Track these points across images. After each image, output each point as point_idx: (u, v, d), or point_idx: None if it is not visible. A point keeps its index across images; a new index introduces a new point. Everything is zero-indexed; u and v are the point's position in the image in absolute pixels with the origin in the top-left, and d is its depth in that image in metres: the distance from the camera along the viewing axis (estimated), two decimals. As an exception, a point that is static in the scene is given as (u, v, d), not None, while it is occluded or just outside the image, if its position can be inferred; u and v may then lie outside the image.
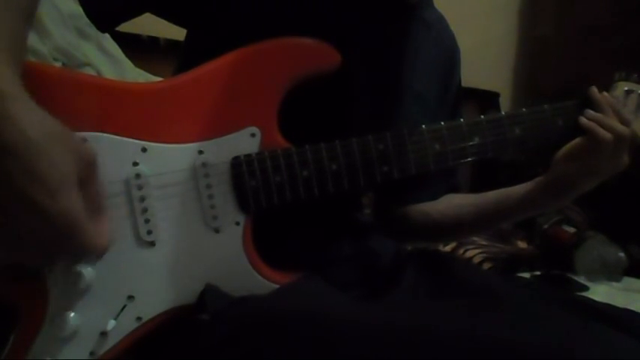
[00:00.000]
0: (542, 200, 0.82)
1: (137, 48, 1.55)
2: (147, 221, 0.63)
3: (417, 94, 0.83)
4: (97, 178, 0.58)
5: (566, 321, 0.63)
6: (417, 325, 0.55)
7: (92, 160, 0.56)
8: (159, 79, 1.00)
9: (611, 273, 1.74)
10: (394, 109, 0.82)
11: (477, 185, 1.03)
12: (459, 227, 0.90)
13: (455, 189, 0.93)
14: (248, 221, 0.67)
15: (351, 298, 0.71)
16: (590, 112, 0.78)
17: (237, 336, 0.58)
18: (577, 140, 0.79)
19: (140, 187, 0.63)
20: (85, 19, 0.74)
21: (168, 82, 0.69)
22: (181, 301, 0.64)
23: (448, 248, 1.72)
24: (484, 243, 1.79)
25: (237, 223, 0.67)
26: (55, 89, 0.62)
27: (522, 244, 1.91)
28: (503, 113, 0.77)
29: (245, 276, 0.67)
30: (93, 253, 0.56)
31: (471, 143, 0.74)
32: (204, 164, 0.66)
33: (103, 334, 0.61)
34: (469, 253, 1.72)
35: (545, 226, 1.85)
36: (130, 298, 0.63)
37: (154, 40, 1.64)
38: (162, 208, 0.64)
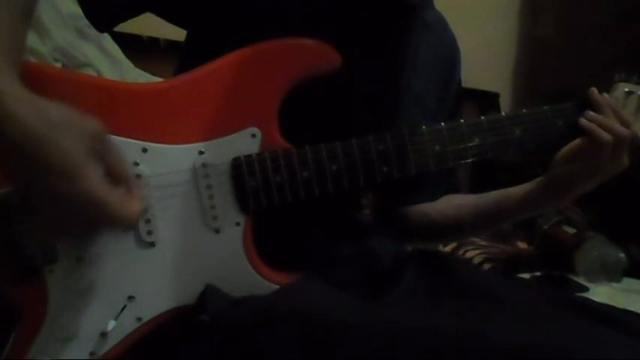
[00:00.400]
0: (542, 201, 0.82)
1: (137, 48, 1.55)
2: (147, 222, 0.64)
3: (417, 94, 0.83)
4: (110, 146, 0.57)
5: (566, 322, 0.63)
6: (416, 326, 0.56)
7: (100, 132, 0.56)
8: (159, 79, 1.00)
9: (611, 273, 1.74)
10: (394, 109, 0.82)
11: (477, 186, 1.03)
12: (458, 228, 0.90)
13: (454, 189, 0.93)
14: (248, 221, 0.67)
15: (351, 298, 0.71)
16: (590, 113, 0.78)
17: (237, 336, 0.58)
18: (577, 141, 0.79)
19: (141, 187, 0.63)
20: (85, 20, 0.74)
21: (169, 83, 0.69)
22: (181, 302, 0.64)
23: (448, 248, 1.72)
24: (484, 243, 1.79)
25: (238, 224, 0.67)
26: (55, 89, 0.62)
27: (522, 245, 1.91)
28: (503, 114, 0.77)
29: (245, 276, 0.67)
30: (124, 223, 0.56)
31: (471, 144, 0.74)
32: (204, 165, 0.66)
33: (103, 334, 0.61)
34: (469, 254, 1.72)
35: (545, 227, 1.85)
36: (131, 298, 0.63)
37: (154, 41, 1.64)
38: (162, 208, 0.64)
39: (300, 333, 0.56)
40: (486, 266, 1.67)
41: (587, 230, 1.87)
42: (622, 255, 1.76)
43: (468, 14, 1.99)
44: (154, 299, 0.63)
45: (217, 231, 0.66)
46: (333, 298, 0.66)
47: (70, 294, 0.61)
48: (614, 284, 1.72)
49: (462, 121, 0.75)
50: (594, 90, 0.79)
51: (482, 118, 0.76)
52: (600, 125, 0.76)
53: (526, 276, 1.66)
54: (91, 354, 0.61)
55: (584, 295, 1.43)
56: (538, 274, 1.75)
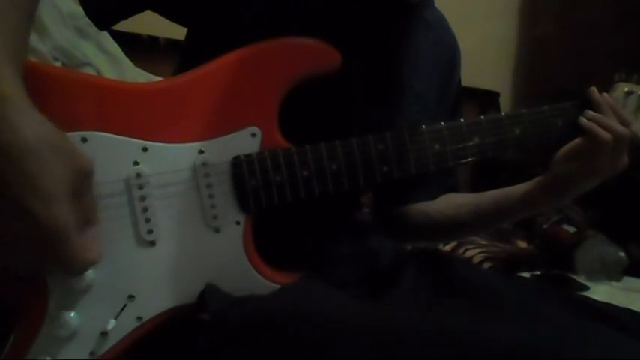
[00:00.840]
0: (542, 200, 0.82)
1: (137, 48, 1.55)
2: (147, 221, 0.64)
3: (417, 93, 0.83)
4: (92, 190, 0.57)
5: (567, 320, 0.63)
6: (416, 325, 0.55)
7: (89, 170, 0.56)
8: (159, 78, 1.00)
9: (611, 273, 1.74)
10: (394, 109, 0.82)
11: (477, 185, 1.03)
12: (458, 227, 0.90)
13: (454, 189, 0.93)
14: (248, 221, 0.67)
15: (351, 297, 0.71)
16: (590, 113, 0.78)
17: (237, 336, 0.58)
18: (577, 141, 0.79)
19: (141, 187, 0.63)
20: (85, 19, 0.74)
21: (169, 82, 0.69)
22: (182, 301, 0.64)
23: (448, 248, 1.72)
24: (484, 242, 1.79)
25: (238, 223, 0.67)
26: (55, 89, 0.62)
27: (522, 244, 1.91)
28: (503, 114, 0.77)
29: (245, 276, 0.67)
30: (78, 265, 0.55)
31: (470, 143, 0.74)
32: (204, 164, 0.66)
33: (103, 333, 0.61)
34: (469, 253, 1.72)
35: (545, 226, 1.85)
36: (131, 297, 0.63)
37: (154, 40, 1.64)
38: (162, 207, 0.64)
39: (300, 333, 0.56)
40: (486, 265, 1.67)
41: (587, 229, 1.86)
42: (622, 254, 1.76)
43: (467, 14, 2.00)
44: (154, 298, 0.63)
45: (217, 230, 0.66)
46: (333, 298, 0.66)
47: (70, 293, 0.61)
48: (614, 283, 1.72)
49: (462, 120, 0.75)
50: (594, 89, 0.79)
51: (482, 117, 0.76)
52: (600, 125, 0.76)
53: (526, 275, 1.66)
54: (91, 353, 0.61)
55: (584, 293, 1.43)
56: (538, 272, 1.75)
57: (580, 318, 0.67)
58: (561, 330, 0.56)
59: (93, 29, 0.78)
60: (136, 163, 0.64)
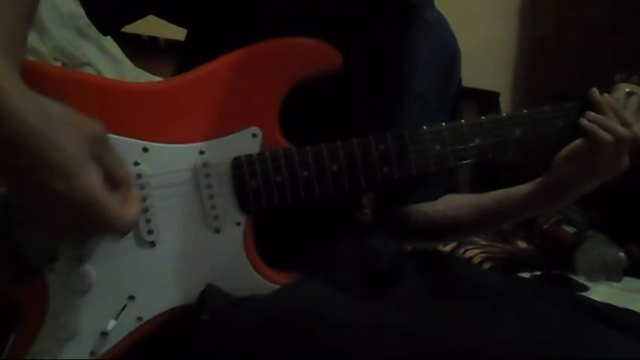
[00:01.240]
0: (543, 201, 0.82)
1: (137, 48, 1.55)
2: (148, 221, 0.63)
3: (417, 94, 0.83)
4: (111, 150, 0.56)
5: (567, 321, 0.63)
6: (417, 326, 0.56)
7: (101, 134, 0.55)
8: (159, 79, 1.00)
9: (611, 273, 1.74)
10: (395, 109, 0.82)
11: (477, 185, 1.03)
12: (459, 227, 0.90)
13: (455, 189, 0.93)
14: (249, 221, 0.67)
15: (351, 298, 0.71)
16: (591, 114, 0.78)
17: (237, 336, 0.58)
18: (577, 142, 0.79)
19: (141, 188, 0.63)
20: (85, 19, 0.74)
21: (169, 82, 0.69)
22: (182, 301, 0.64)
23: (448, 248, 1.72)
24: (484, 243, 1.79)
25: (238, 224, 0.67)
26: (55, 89, 0.62)
27: (522, 244, 1.90)
28: (503, 114, 0.77)
29: (245, 276, 0.67)
30: (121, 228, 0.55)
31: (471, 144, 0.74)
32: (205, 164, 0.66)
33: (104, 334, 0.61)
34: (469, 253, 1.72)
35: (545, 226, 1.85)
36: (131, 298, 0.63)
37: (154, 40, 1.64)
38: (163, 208, 0.64)
39: (300, 333, 0.56)
40: (486, 265, 1.67)
41: (587, 229, 1.87)
42: (622, 254, 1.76)
43: (468, 14, 2.00)
44: (154, 299, 0.63)
45: (218, 231, 0.66)
46: (333, 298, 0.66)
47: (70, 293, 0.61)
48: (614, 283, 1.72)
49: (463, 121, 0.75)
50: (595, 90, 0.79)
51: (483, 118, 0.76)
52: (601, 126, 0.76)
53: (526, 275, 1.66)
54: (91, 353, 0.61)
55: (584, 294, 1.43)
56: (538, 273, 1.75)
57: (580, 318, 0.67)
58: (561, 330, 0.56)
59: (93, 30, 0.78)
60: (136, 164, 0.64)
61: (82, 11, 0.74)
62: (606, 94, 0.80)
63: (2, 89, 0.50)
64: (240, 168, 0.66)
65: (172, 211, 0.65)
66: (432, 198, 0.90)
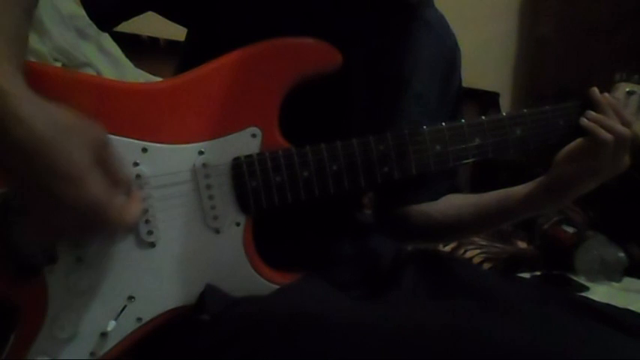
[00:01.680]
0: (543, 201, 0.81)
1: (137, 48, 1.55)
2: (147, 222, 0.63)
3: (417, 94, 0.83)
4: (112, 153, 0.57)
5: (567, 321, 0.63)
6: (416, 326, 0.56)
7: (104, 138, 0.56)
8: (159, 79, 1.00)
9: (611, 273, 1.74)
10: (395, 109, 0.82)
11: (477, 185, 1.03)
12: (459, 227, 0.90)
13: (455, 189, 0.93)
14: (248, 222, 0.67)
15: (351, 298, 0.71)
16: (591, 113, 0.78)
17: (237, 336, 0.58)
18: (578, 141, 0.79)
19: (140, 188, 0.63)
20: (85, 20, 0.74)
21: (169, 82, 0.69)
22: (182, 302, 0.64)
23: (448, 248, 1.72)
24: (484, 243, 1.79)
25: (238, 224, 0.67)
26: (55, 89, 0.62)
27: (522, 244, 1.90)
28: (504, 114, 0.77)
29: (245, 276, 0.67)
30: (127, 225, 0.58)
31: (471, 144, 0.74)
32: (204, 165, 0.66)
33: (103, 334, 0.61)
34: (469, 253, 1.72)
35: (545, 226, 1.85)
36: (131, 298, 0.63)
37: (154, 40, 1.64)
38: (162, 208, 0.64)
39: (300, 333, 0.56)
40: (486, 266, 1.67)
41: (587, 230, 1.87)
42: (622, 254, 1.76)
43: (468, 14, 2.00)
44: (154, 299, 0.63)
45: (217, 231, 0.66)
46: (333, 298, 0.66)
47: (70, 294, 0.61)
48: (614, 284, 1.72)
49: (463, 121, 0.75)
50: (595, 90, 0.79)
51: (483, 118, 0.76)
52: (601, 125, 0.76)
53: (526, 275, 1.66)
54: (91, 354, 0.61)
55: (584, 294, 1.43)
56: (538, 273, 1.75)
57: (580, 318, 0.66)
58: (561, 330, 0.56)
59: (93, 30, 0.78)
60: (135, 164, 0.64)
61: (82, 12, 0.74)
62: (606, 94, 0.80)
63: (9, 94, 0.50)
64: (240, 168, 0.66)
65: (172, 211, 0.64)
66: (433, 198, 0.90)
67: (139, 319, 0.63)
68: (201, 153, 0.66)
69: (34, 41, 1.15)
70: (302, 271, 0.71)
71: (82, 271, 0.61)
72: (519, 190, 0.84)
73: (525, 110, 0.78)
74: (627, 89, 0.84)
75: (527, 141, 0.77)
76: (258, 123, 0.68)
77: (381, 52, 0.80)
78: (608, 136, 0.76)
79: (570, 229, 1.84)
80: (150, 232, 0.64)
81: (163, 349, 0.64)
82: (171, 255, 0.64)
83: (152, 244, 0.64)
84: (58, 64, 1.23)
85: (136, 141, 0.64)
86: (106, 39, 1.40)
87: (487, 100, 2.32)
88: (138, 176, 0.63)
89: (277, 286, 0.67)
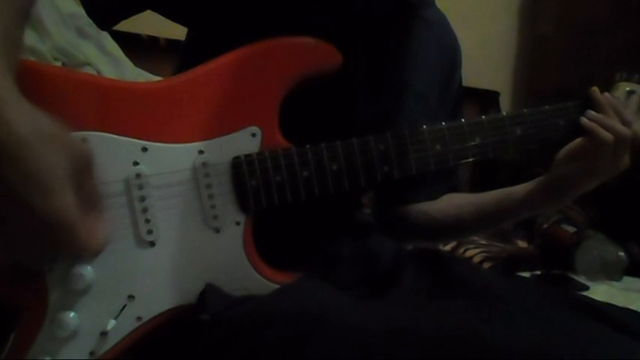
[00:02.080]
0: (543, 200, 0.82)
1: (137, 48, 1.55)
2: (147, 221, 0.63)
3: (418, 93, 0.83)
4: (94, 177, 0.57)
5: (567, 321, 0.63)
6: (416, 325, 0.55)
7: (88, 159, 0.56)
8: (159, 79, 1.00)
9: (611, 272, 1.74)
10: (395, 108, 0.82)
11: (477, 185, 1.03)
12: (459, 227, 0.90)
13: (455, 189, 0.93)
14: (248, 221, 0.67)
15: (351, 298, 0.71)
16: (592, 113, 0.78)
17: (238, 336, 0.58)
18: (578, 141, 0.79)
19: (140, 187, 0.63)
20: (85, 19, 0.74)
21: (169, 82, 0.69)
22: (181, 301, 0.64)
23: (448, 248, 1.72)
24: (484, 242, 1.79)
25: (238, 223, 0.67)
26: (55, 89, 0.62)
27: (522, 244, 1.91)
28: (504, 113, 0.77)
29: (245, 276, 0.67)
30: (87, 252, 0.56)
31: (471, 143, 0.74)
32: (204, 164, 0.66)
33: (103, 334, 0.61)
34: (469, 253, 1.72)
35: (545, 226, 1.86)
36: (130, 297, 0.62)
37: (154, 40, 1.64)
38: (162, 208, 0.64)
39: (300, 333, 0.56)
40: (486, 265, 1.67)
41: (587, 229, 1.87)
42: (622, 254, 1.76)
43: (468, 14, 2.00)
44: (154, 299, 0.63)
45: (217, 230, 0.66)
46: (333, 298, 0.66)
47: (70, 293, 0.61)
48: (614, 283, 1.72)
49: (463, 120, 0.75)
50: (595, 89, 0.79)
51: (483, 117, 0.76)
52: (601, 125, 0.76)
53: (526, 275, 1.66)
54: (91, 354, 0.61)
55: (584, 294, 1.43)
56: (538, 272, 1.75)
57: (580, 318, 0.66)
58: (561, 330, 0.56)
59: (93, 29, 0.78)
60: (135, 163, 0.64)
61: (82, 11, 0.74)
62: (606, 93, 0.80)
63: None
64: (240, 168, 0.66)
65: (172, 210, 0.64)
66: (432, 197, 0.90)
67: (139, 319, 0.63)
68: (201, 152, 0.66)
69: (34, 40, 1.16)
70: (302, 271, 0.71)
71: (82, 271, 0.61)
72: (519, 189, 0.84)
73: (525, 110, 0.78)
74: (627, 89, 0.84)
75: (527, 141, 0.77)
76: (258, 122, 0.68)
77: (382, 52, 0.80)
78: (608, 135, 0.76)
79: (570, 229, 1.84)
80: (150, 232, 0.63)
81: (163, 349, 0.64)
82: (171, 254, 0.64)
83: (152, 244, 0.64)
84: (58, 64, 1.23)
85: (136, 140, 0.64)
86: (106, 38, 1.40)
87: (487, 99, 2.33)
88: (138, 175, 0.63)
89: (277, 286, 0.67)
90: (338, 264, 0.79)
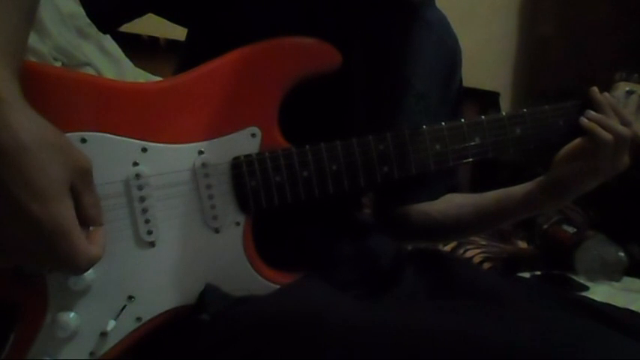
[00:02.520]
0: (543, 200, 0.82)
1: (137, 48, 1.55)
2: (147, 221, 0.63)
3: (418, 93, 0.83)
4: (93, 187, 0.57)
5: (567, 321, 0.63)
6: (416, 325, 0.55)
7: (87, 168, 0.55)
8: (159, 78, 1.00)
9: (611, 273, 1.74)
10: (395, 108, 0.82)
11: (477, 185, 1.03)
12: (459, 227, 0.90)
13: (455, 189, 0.93)
14: (248, 221, 0.67)
15: (351, 298, 0.71)
16: (591, 113, 0.78)
17: (237, 336, 0.58)
18: (577, 141, 0.79)
19: (140, 188, 0.63)
20: (85, 19, 0.74)
21: (169, 82, 0.69)
22: (181, 302, 0.64)
23: (448, 248, 1.72)
24: (484, 243, 1.79)
25: (238, 224, 0.67)
26: (55, 89, 0.62)
27: (522, 244, 1.91)
28: (503, 113, 0.77)
29: (245, 276, 0.67)
30: (81, 263, 0.54)
31: (471, 143, 0.74)
32: (204, 164, 0.66)
33: (103, 334, 0.61)
34: (469, 253, 1.72)
35: (545, 226, 1.85)
36: (130, 298, 0.63)
37: (154, 40, 1.64)
38: (162, 208, 0.64)
39: (300, 333, 0.56)
40: (486, 265, 1.67)
41: (587, 229, 1.87)
42: (622, 254, 1.76)
43: (468, 14, 2.00)
44: (153, 299, 0.63)
45: (217, 231, 0.66)
46: (333, 298, 0.66)
47: (70, 294, 0.61)
48: (614, 283, 1.72)
49: (463, 120, 0.75)
50: (595, 89, 0.79)
51: (483, 117, 0.76)
52: (601, 125, 0.76)
53: (526, 275, 1.66)
54: (91, 354, 0.61)
55: (584, 294, 1.43)
56: (538, 273, 1.75)
57: (580, 318, 0.66)
58: (561, 330, 0.56)
59: (93, 29, 0.78)
60: (135, 164, 0.64)
61: (82, 11, 0.74)
62: (606, 93, 0.80)
63: (2, 100, 0.50)
64: (240, 168, 0.66)
65: (172, 211, 0.64)
66: (432, 197, 0.90)
67: (139, 319, 0.63)
68: (200, 153, 0.66)
69: (34, 41, 1.15)
70: (302, 271, 0.71)
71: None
72: (519, 189, 0.84)
73: (525, 110, 0.78)
74: (627, 89, 0.84)
75: (527, 140, 0.77)
76: (258, 123, 0.68)
77: (382, 52, 0.80)
78: (607, 135, 0.76)
79: (570, 229, 1.84)
80: (149, 232, 0.63)
81: (163, 349, 0.64)
82: (170, 255, 0.64)
83: (152, 244, 0.64)
84: (58, 64, 1.23)
85: (136, 141, 0.64)
86: (106, 38, 1.40)
87: (487, 99, 2.33)
88: (137, 176, 0.63)
89: (277, 286, 0.67)
90: (338, 264, 0.79)
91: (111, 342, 0.62)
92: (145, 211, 0.63)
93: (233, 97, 0.68)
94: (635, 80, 0.84)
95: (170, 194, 0.65)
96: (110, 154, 0.63)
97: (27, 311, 0.60)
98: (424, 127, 0.73)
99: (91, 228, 0.57)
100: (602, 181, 0.79)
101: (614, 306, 0.72)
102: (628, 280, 1.74)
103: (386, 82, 0.80)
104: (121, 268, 0.63)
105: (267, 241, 0.68)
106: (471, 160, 0.75)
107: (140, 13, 0.76)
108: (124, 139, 0.63)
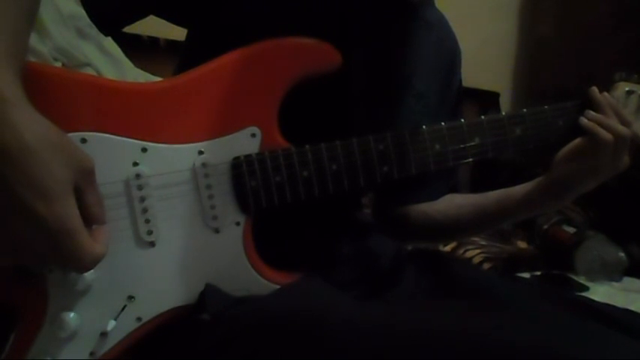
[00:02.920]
0: (543, 201, 0.82)
1: (137, 48, 1.55)
2: (147, 221, 0.63)
3: (418, 93, 0.83)
4: (96, 186, 0.57)
5: (566, 321, 0.63)
6: (416, 325, 0.56)
7: (90, 168, 0.56)
8: (159, 79, 1.00)
9: (611, 273, 1.74)
10: (395, 108, 0.82)
11: (477, 185, 1.03)
12: (459, 227, 0.90)
13: (455, 189, 0.93)
14: (248, 221, 0.67)
15: (351, 298, 0.71)
16: (591, 113, 0.78)
17: (237, 336, 0.58)
18: (577, 141, 0.79)
19: (140, 188, 0.63)
20: (86, 20, 0.74)
21: (169, 82, 0.69)
22: (181, 302, 0.64)
23: (448, 248, 1.72)
24: (484, 243, 1.79)
25: (238, 224, 0.67)
26: (55, 89, 0.62)
27: (522, 244, 1.91)
28: (503, 114, 0.77)
29: (245, 276, 0.67)
30: (87, 261, 0.54)
31: (471, 144, 0.74)
32: (204, 164, 0.66)
33: (103, 334, 0.61)
34: (469, 253, 1.72)
35: (545, 226, 1.85)
36: (130, 298, 0.63)
37: (154, 40, 1.64)
38: (162, 208, 0.64)
39: (300, 333, 0.56)
40: (486, 266, 1.67)
41: (587, 229, 1.87)
42: (622, 254, 1.76)
43: (468, 14, 1.99)
44: (153, 299, 0.63)
45: (217, 231, 0.66)
46: (333, 298, 0.66)
47: (70, 294, 0.61)
48: (614, 283, 1.72)
49: (463, 120, 0.75)
50: (595, 89, 0.79)
51: (483, 117, 0.76)
52: (601, 125, 0.76)
53: (526, 275, 1.66)
54: (91, 354, 0.61)
55: (584, 294, 1.43)
56: (538, 273, 1.75)
57: (580, 318, 0.67)
58: (561, 330, 0.56)
59: (93, 30, 0.78)
60: (135, 164, 0.64)
61: (82, 11, 0.74)
62: (606, 93, 0.80)
63: (6, 100, 0.50)
64: (240, 168, 0.66)
65: (172, 211, 0.64)
66: (432, 198, 0.90)
67: (139, 319, 0.63)
68: (200, 153, 0.66)
69: (34, 41, 1.15)
70: (302, 271, 0.71)
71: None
72: (519, 189, 0.84)
73: (525, 110, 0.78)
74: (627, 89, 0.84)
75: (527, 140, 0.77)
76: (258, 123, 0.68)
77: (382, 52, 0.80)
78: (607, 135, 0.76)
79: (570, 229, 1.84)
80: (150, 232, 0.64)
81: (163, 349, 0.64)
82: (171, 255, 0.64)
83: (152, 244, 0.64)
84: (58, 64, 1.23)
85: (136, 141, 0.64)
86: (106, 39, 1.40)
87: (487, 99, 2.32)
88: (137, 176, 0.63)
89: (277, 286, 0.67)
90: (338, 264, 0.79)
91: (111, 342, 0.62)
92: (145, 211, 0.63)
93: (233, 97, 0.68)
94: (635, 80, 0.84)
95: (170, 194, 0.65)
96: (110, 154, 0.63)
97: (27, 311, 0.60)
98: (424, 127, 0.73)
99: (94, 226, 0.57)
100: (601, 181, 0.79)
101: (614, 306, 0.72)
102: (628, 280, 1.74)
103: (386, 82, 0.81)
104: (121, 268, 0.63)
105: (267, 241, 0.68)
106: (470, 160, 0.75)
107: (142, 16, 0.76)
108: (124, 139, 0.64)
